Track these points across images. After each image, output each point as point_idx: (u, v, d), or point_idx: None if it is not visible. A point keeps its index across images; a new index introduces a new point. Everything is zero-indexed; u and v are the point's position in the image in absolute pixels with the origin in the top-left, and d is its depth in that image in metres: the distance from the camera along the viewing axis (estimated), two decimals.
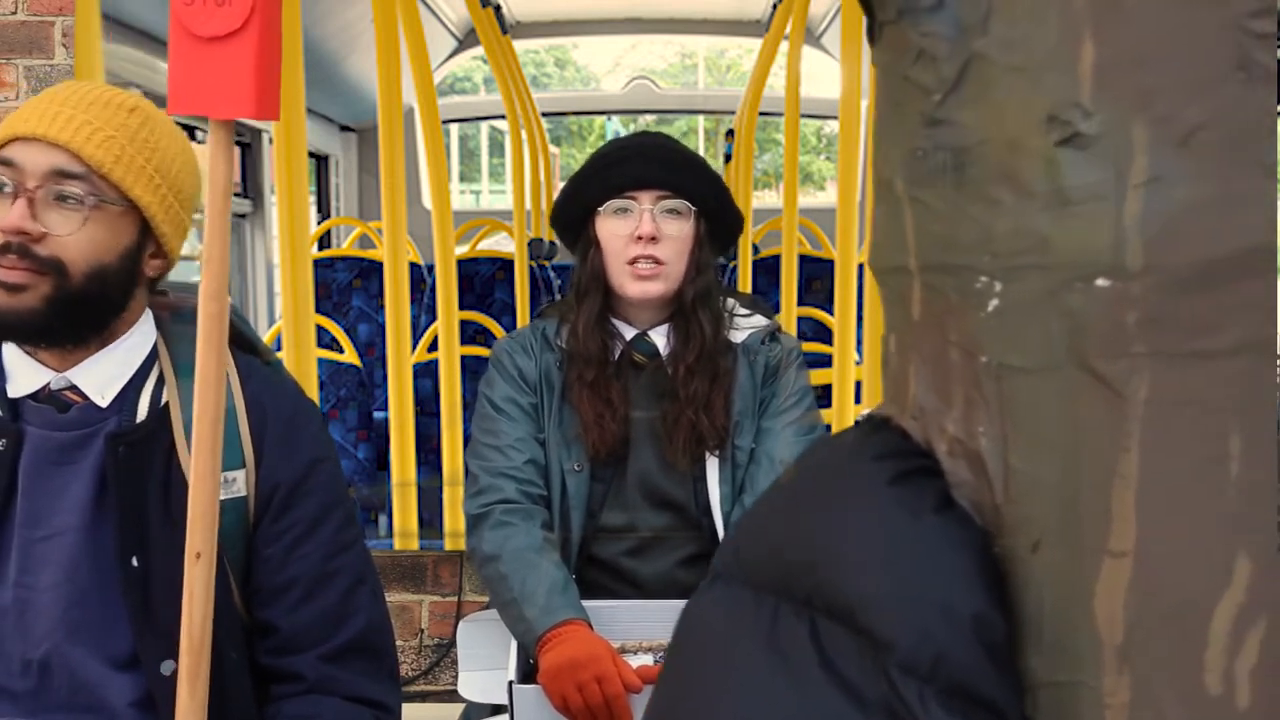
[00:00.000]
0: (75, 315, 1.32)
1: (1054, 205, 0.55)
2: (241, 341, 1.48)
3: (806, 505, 0.65)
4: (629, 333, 1.88)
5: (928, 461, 0.63)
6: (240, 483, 1.38)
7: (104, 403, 1.37)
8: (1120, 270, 0.54)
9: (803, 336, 3.19)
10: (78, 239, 1.30)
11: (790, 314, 3.08)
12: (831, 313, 3.02)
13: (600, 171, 1.86)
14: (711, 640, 0.65)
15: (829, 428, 2.90)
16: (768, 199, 4.45)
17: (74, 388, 1.37)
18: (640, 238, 1.80)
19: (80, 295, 1.31)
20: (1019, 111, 0.56)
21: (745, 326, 1.91)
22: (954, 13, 0.58)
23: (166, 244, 1.37)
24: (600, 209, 1.84)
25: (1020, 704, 0.58)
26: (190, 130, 3.43)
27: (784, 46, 3.11)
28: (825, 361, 3.00)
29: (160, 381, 1.39)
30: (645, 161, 1.84)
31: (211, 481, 1.13)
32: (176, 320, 1.43)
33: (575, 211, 1.88)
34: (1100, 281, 0.54)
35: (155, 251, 1.38)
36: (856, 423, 0.68)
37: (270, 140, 3.36)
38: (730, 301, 1.93)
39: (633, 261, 1.81)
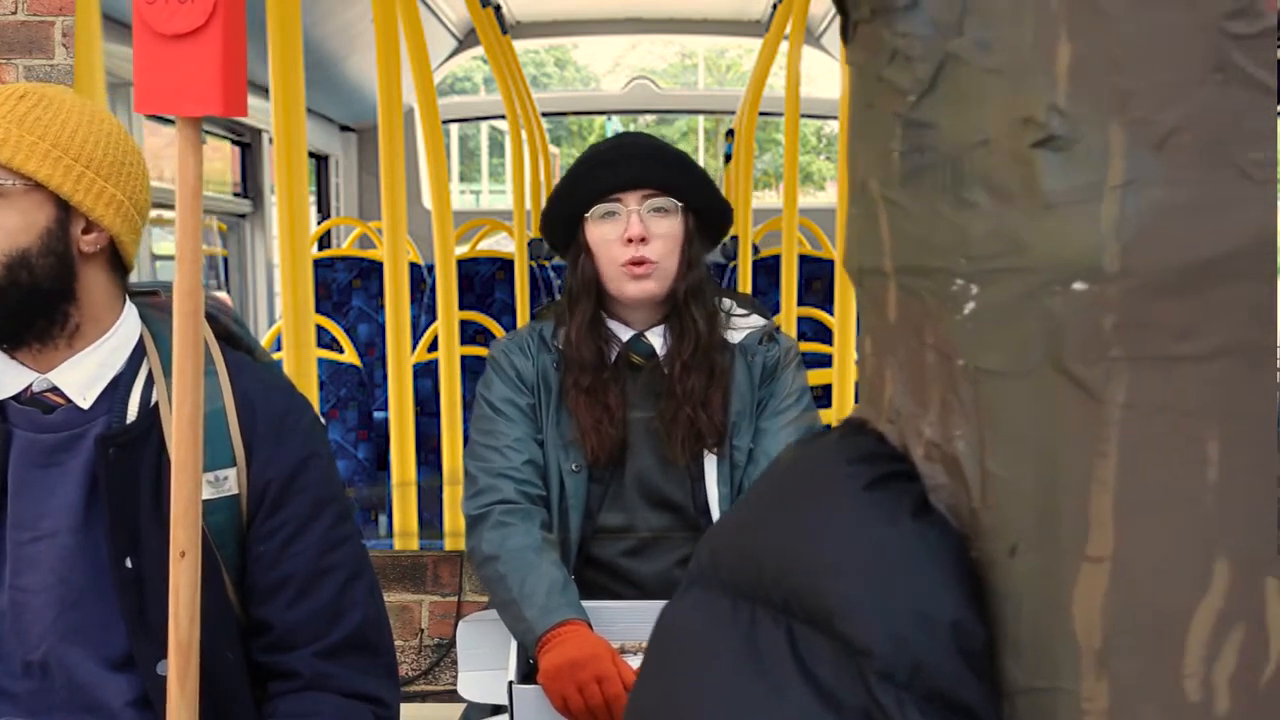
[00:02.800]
0: (13, 308, 1.31)
1: (1030, 208, 0.55)
2: (235, 342, 1.48)
3: (782, 510, 0.64)
4: (625, 334, 1.88)
5: (904, 465, 0.62)
6: (232, 481, 1.37)
7: (86, 404, 1.36)
8: (1097, 273, 0.53)
9: (803, 336, 3.19)
10: None
11: (790, 314, 3.08)
12: (831, 313, 3.01)
13: (584, 176, 1.85)
14: (688, 645, 0.64)
15: (829, 428, 2.89)
16: (768, 199, 4.44)
17: (56, 389, 1.36)
18: (630, 239, 1.80)
19: (6, 286, 1.30)
20: (995, 113, 0.55)
21: (743, 327, 1.90)
22: (928, 13, 0.58)
23: (93, 215, 1.34)
24: (588, 215, 1.83)
25: (998, 710, 0.58)
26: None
27: (784, 46, 3.11)
28: (825, 361, 3.00)
29: (150, 381, 1.39)
30: (628, 162, 1.83)
31: (193, 479, 1.12)
32: (167, 320, 1.42)
33: (563, 218, 1.88)
34: (1077, 285, 0.53)
35: (86, 227, 1.35)
36: (832, 426, 0.68)
37: (270, 140, 3.36)
38: (727, 302, 1.92)
39: (626, 264, 1.81)
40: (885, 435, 0.64)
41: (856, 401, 2.35)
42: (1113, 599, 0.54)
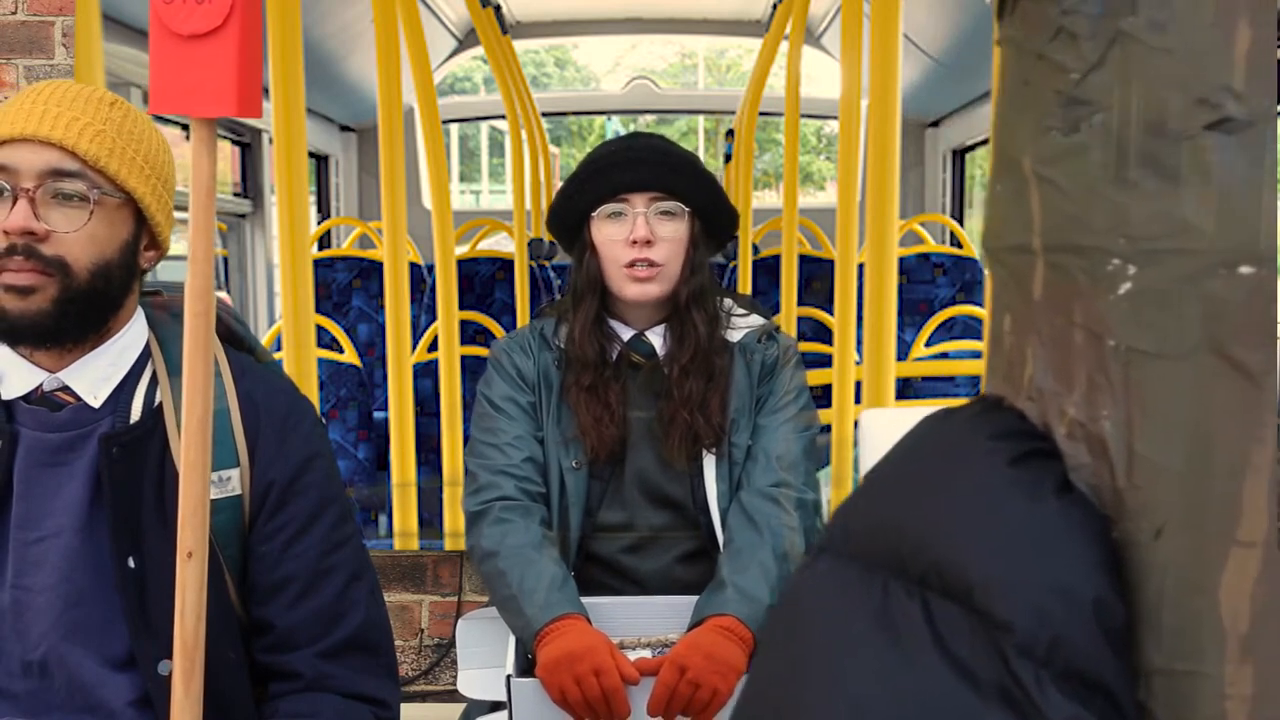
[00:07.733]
0: (81, 314, 1.33)
1: (1198, 190, 0.54)
2: (237, 342, 1.49)
3: (921, 483, 0.64)
4: (626, 333, 1.89)
5: (1046, 443, 0.62)
6: (235, 481, 1.37)
7: (96, 403, 1.36)
8: (1266, 258, 0.53)
9: (803, 336, 3.19)
10: (80, 236, 1.30)
11: (790, 314, 3.07)
12: (831, 313, 3.01)
13: (594, 175, 1.86)
14: (819, 614, 0.64)
15: (828, 427, 2.89)
16: (768, 199, 4.44)
17: (66, 388, 1.37)
18: (635, 241, 1.81)
19: (86, 293, 1.31)
20: (1165, 94, 0.55)
21: (742, 326, 1.91)
22: None
23: (160, 233, 1.38)
24: (594, 213, 1.84)
25: (1134, 690, 0.58)
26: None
27: (784, 46, 3.10)
28: (825, 361, 3.00)
29: (154, 381, 1.39)
30: (638, 164, 1.84)
31: (201, 480, 1.13)
32: (170, 320, 1.43)
33: (570, 216, 1.88)
34: (1244, 269, 0.53)
35: (149, 243, 1.39)
36: (969, 402, 0.67)
37: (270, 140, 3.36)
38: (728, 302, 1.94)
39: (629, 265, 1.81)
40: (1025, 413, 0.63)
41: (857, 401, 2.35)
42: (1262, 585, 0.54)
